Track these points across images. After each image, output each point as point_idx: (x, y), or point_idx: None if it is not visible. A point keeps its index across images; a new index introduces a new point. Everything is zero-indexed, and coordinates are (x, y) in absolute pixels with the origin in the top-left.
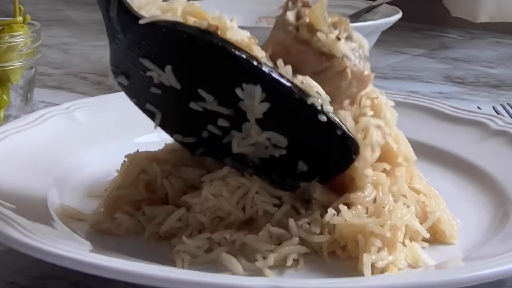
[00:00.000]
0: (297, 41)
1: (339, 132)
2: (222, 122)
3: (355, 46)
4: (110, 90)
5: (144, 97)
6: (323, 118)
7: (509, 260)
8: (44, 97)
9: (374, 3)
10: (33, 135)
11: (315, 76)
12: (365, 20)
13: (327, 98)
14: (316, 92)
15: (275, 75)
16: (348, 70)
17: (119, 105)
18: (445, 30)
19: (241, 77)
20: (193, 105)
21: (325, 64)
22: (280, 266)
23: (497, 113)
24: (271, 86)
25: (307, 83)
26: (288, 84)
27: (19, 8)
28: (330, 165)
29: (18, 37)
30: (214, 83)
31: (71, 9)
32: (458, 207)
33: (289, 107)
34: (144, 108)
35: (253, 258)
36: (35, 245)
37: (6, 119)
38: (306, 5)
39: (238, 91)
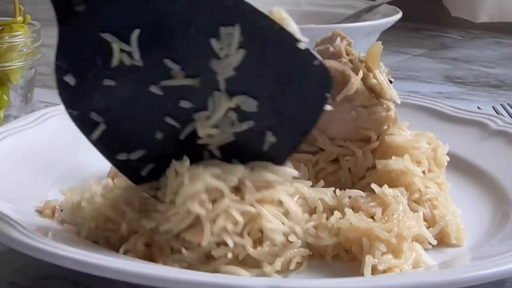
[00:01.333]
0: (354, 74)
1: (316, 63)
2: (184, 104)
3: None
4: None
5: (90, 103)
6: (302, 45)
7: (509, 260)
8: (44, 97)
9: (374, 3)
10: (33, 135)
11: (363, 108)
12: (365, 20)
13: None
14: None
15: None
16: (392, 113)
17: None
18: (445, 30)
19: (219, 18)
20: (153, 88)
21: (373, 101)
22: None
23: (497, 113)
24: (251, 21)
25: (279, 15)
26: (266, 14)
27: (19, 8)
28: (300, 120)
29: (18, 37)
30: (184, 44)
31: None
32: (458, 207)
33: (267, 44)
34: (87, 119)
35: (258, 266)
36: (35, 245)
37: (6, 119)
38: (349, 44)
39: (213, 42)
